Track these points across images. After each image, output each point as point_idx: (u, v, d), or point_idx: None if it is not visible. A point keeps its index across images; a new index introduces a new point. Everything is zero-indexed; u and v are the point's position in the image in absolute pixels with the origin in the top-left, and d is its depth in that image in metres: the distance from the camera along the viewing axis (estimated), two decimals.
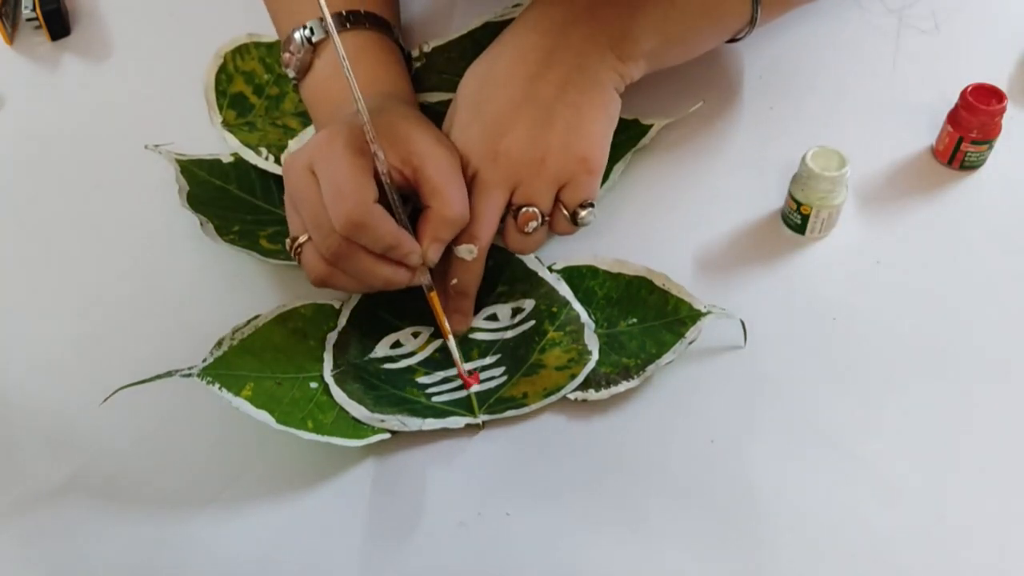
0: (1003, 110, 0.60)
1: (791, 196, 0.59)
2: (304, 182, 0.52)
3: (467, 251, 0.55)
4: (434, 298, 0.54)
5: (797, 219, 0.60)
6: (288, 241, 0.54)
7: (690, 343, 0.54)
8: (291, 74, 0.62)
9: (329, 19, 0.49)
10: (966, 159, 0.62)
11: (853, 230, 0.61)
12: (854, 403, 0.53)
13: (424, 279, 0.54)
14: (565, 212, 0.56)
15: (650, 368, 0.53)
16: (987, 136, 0.61)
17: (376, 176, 0.52)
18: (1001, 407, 0.53)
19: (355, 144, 0.52)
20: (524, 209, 0.56)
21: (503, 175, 0.56)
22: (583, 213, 0.56)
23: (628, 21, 0.58)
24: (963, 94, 0.61)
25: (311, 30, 0.61)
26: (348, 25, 0.61)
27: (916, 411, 0.53)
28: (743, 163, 0.64)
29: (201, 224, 0.60)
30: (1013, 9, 0.73)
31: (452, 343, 0.55)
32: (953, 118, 0.62)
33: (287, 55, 0.62)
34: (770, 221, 0.62)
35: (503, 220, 0.57)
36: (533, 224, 0.56)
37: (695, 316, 0.55)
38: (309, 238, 0.53)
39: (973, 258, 0.59)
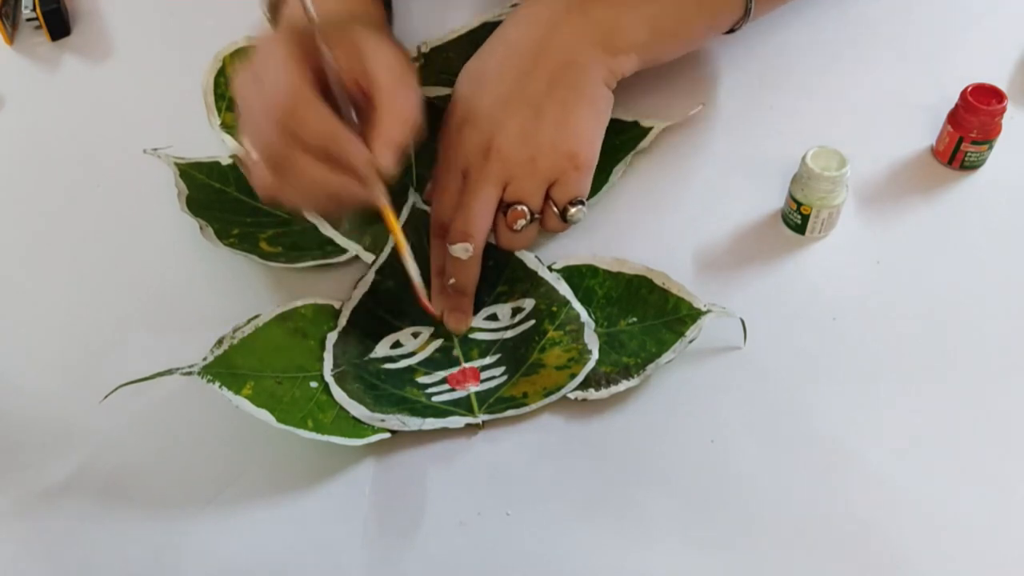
0: (1003, 110, 0.60)
1: (791, 196, 0.59)
2: (245, 84, 0.51)
3: (463, 250, 0.55)
4: (386, 211, 0.53)
5: (797, 219, 0.60)
6: (237, 159, 0.52)
7: (690, 342, 0.54)
8: (264, 12, 0.61)
9: None
10: (966, 159, 0.62)
11: (853, 230, 0.61)
12: (854, 403, 0.53)
13: (379, 193, 0.52)
14: (555, 210, 0.56)
15: (650, 367, 0.53)
16: (987, 136, 0.61)
17: (326, 90, 0.50)
18: (1002, 406, 0.53)
19: (296, 41, 0.50)
20: (513, 207, 0.56)
21: (495, 172, 0.56)
22: (572, 211, 0.56)
23: (618, 15, 0.58)
24: (963, 94, 0.61)
25: None
26: None
27: (917, 411, 0.53)
28: (743, 163, 0.64)
29: (201, 228, 0.60)
30: (1013, 9, 0.73)
31: (408, 256, 0.54)
32: (953, 118, 0.62)
33: None
34: (770, 221, 0.62)
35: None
36: (522, 222, 0.56)
37: (695, 315, 0.55)
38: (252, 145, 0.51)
39: (973, 258, 0.59)
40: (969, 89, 0.61)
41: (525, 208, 0.56)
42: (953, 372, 0.54)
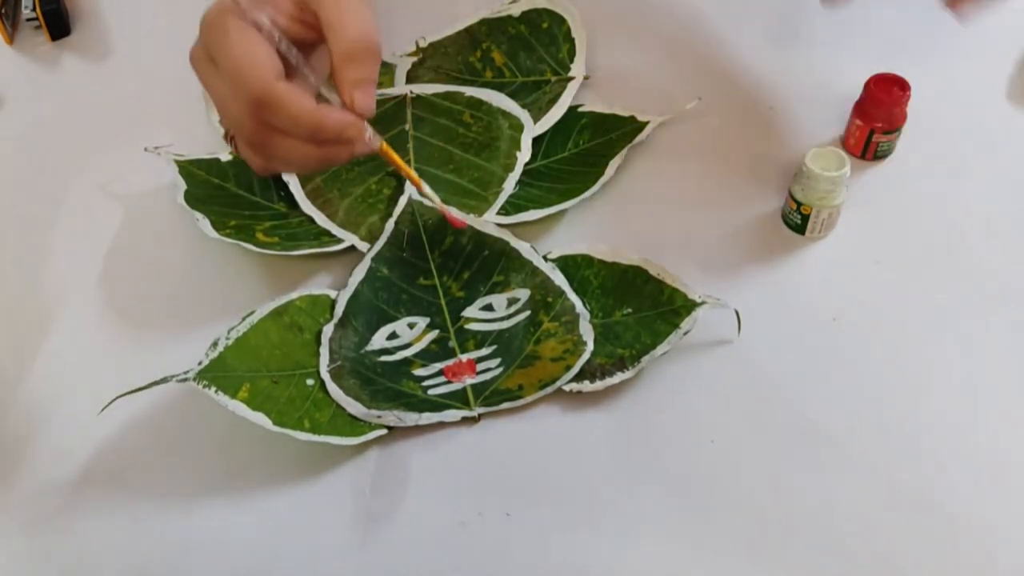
0: (907, 98, 0.61)
1: (791, 196, 0.59)
2: (203, 70, 0.48)
3: None
4: (387, 150, 0.50)
5: (797, 219, 0.60)
6: (223, 134, 0.49)
7: (685, 334, 0.54)
8: None
9: None
10: (878, 150, 0.63)
11: (853, 230, 0.61)
12: (854, 403, 0.53)
13: (372, 141, 0.49)
14: None
15: (645, 359, 0.53)
16: (894, 125, 0.62)
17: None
18: (1002, 407, 0.53)
19: (245, 16, 0.46)
20: None
21: None
22: None
23: None
24: (867, 85, 0.62)
25: None
26: None
27: (917, 411, 0.53)
28: (743, 163, 0.64)
29: (198, 220, 0.60)
30: (1013, 9, 0.73)
31: (428, 190, 0.53)
32: (859, 110, 0.63)
33: None
34: (770, 221, 0.62)
35: None
36: None
37: (690, 306, 0.55)
38: None
39: (973, 258, 0.59)
40: (873, 80, 0.62)
41: None
42: (953, 372, 0.54)
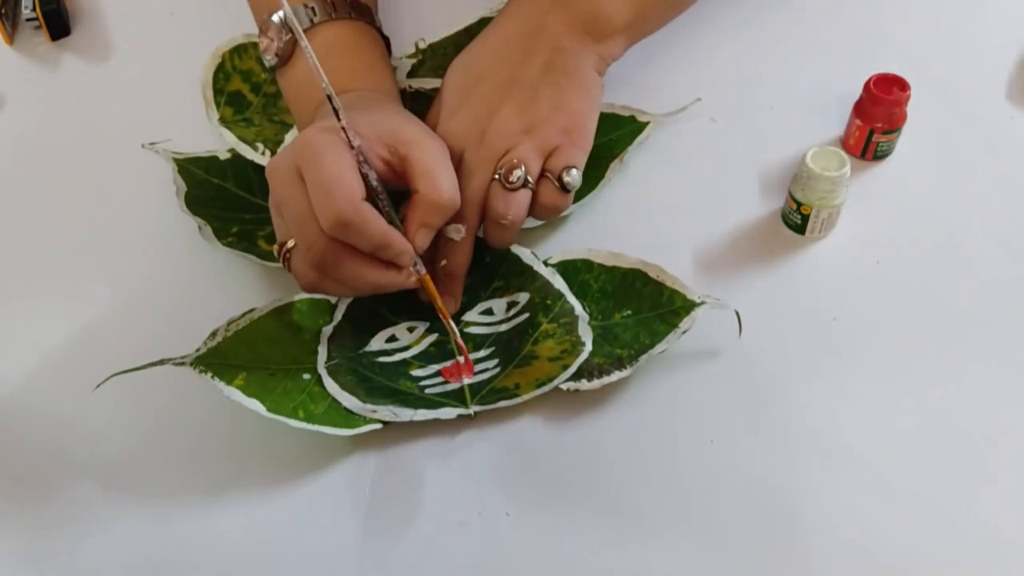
0: (907, 98, 0.61)
1: (791, 196, 0.59)
2: (289, 185, 0.51)
3: (455, 231, 0.56)
4: (427, 280, 0.54)
5: (797, 219, 0.60)
6: (276, 247, 0.53)
7: (683, 333, 0.54)
8: (269, 60, 0.61)
9: (293, 20, 0.50)
10: (878, 150, 0.63)
11: (853, 230, 0.61)
12: (854, 403, 0.53)
13: (416, 268, 0.53)
14: (552, 178, 0.56)
15: (643, 358, 0.53)
16: (894, 125, 0.62)
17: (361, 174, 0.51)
18: (1002, 407, 0.53)
19: (341, 141, 0.51)
20: (508, 159, 0.56)
21: (489, 154, 0.56)
22: (568, 179, 0.56)
23: (598, 3, 0.59)
24: (867, 85, 0.62)
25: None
26: (333, 14, 0.61)
27: (917, 411, 0.53)
28: (743, 163, 0.64)
29: (200, 228, 0.60)
30: (1013, 9, 0.73)
31: (452, 324, 0.55)
32: (859, 110, 0.63)
33: (266, 40, 0.61)
34: (770, 221, 0.62)
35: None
36: (518, 174, 0.55)
37: (689, 306, 0.55)
38: (296, 244, 0.52)
39: (973, 258, 0.59)
40: (872, 80, 0.62)
41: (519, 160, 0.56)
42: (953, 372, 0.54)
